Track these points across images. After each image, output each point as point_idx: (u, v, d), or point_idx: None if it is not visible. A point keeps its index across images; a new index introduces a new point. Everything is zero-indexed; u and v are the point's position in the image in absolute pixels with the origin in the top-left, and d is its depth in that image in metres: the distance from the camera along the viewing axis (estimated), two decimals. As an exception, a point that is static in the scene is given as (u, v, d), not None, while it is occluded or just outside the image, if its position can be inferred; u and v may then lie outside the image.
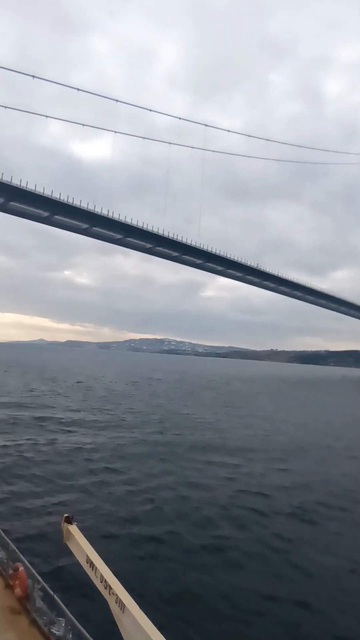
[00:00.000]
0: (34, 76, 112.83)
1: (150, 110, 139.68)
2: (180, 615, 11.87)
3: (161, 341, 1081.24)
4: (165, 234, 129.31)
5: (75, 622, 7.89)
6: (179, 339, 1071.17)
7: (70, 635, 7.99)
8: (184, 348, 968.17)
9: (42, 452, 28.63)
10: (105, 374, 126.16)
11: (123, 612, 6.43)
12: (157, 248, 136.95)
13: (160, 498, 21.27)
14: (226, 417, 52.33)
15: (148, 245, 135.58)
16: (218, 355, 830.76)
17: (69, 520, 9.09)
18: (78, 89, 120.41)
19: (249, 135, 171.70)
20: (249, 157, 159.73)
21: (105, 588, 7.08)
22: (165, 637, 5.86)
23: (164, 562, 15.02)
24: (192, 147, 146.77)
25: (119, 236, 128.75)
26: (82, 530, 8.99)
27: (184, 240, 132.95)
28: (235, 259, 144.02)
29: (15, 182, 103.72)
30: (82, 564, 8.22)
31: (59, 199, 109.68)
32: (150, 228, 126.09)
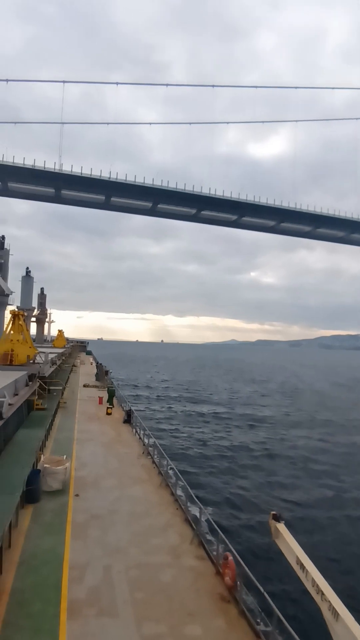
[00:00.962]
0: (213, 85, 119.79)
1: (332, 88, 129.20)
2: None
3: (356, 337, 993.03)
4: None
5: (284, 621, 7.94)
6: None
7: (278, 633, 8.05)
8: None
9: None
10: (304, 374, 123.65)
11: (337, 621, 6.21)
12: (353, 235, 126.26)
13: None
14: None
15: (340, 234, 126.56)
16: None
17: (276, 518, 9.21)
18: (255, 86, 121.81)
19: None
20: None
21: (317, 593, 6.94)
22: None
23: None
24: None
25: (307, 228, 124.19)
26: (291, 529, 9.00)
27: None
28: None
29: (205, 191, 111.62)
30: (291, 564, 8.23)
31: (246, 200, 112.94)
32: (343, 215, 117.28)
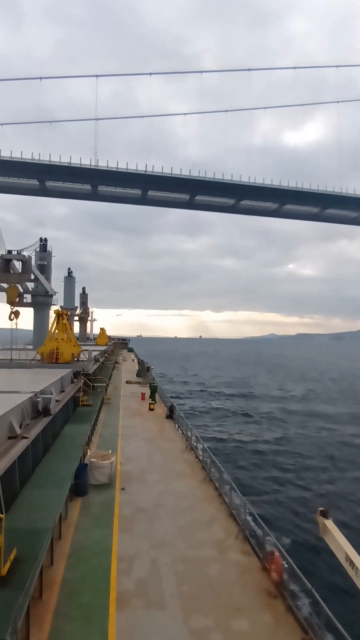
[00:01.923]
0: (250, 69, 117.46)
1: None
2: None
3: None
4: None
5: (333, 618, 7.91)
6: None
7: (326, 630, 8.03)
8: None
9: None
10: (356, 369, 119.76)
11: None
12: None
13: None
14: None
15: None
16: None
17: (324, 515, 9.17)
18: (295, 67, 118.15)
19: None
20: None
21: None
22: None
23: None
24: None
25: (354, 214, 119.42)
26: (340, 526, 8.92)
27: None
28: None
29: (244, 179, 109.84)
30: (340, 561, 8.19)
31: (288, 186, 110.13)
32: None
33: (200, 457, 20.36)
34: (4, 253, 35.56)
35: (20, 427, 14.10)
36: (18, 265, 36.28)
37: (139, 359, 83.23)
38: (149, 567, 10.99)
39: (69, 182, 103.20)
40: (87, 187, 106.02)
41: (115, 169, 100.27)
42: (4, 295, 33.32)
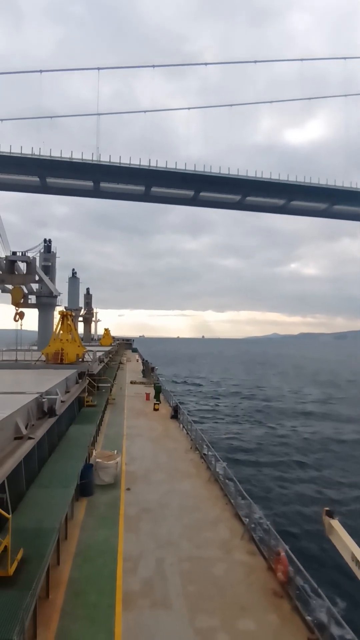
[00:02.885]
0: (255, 61, 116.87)
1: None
2: None
3: None
4: None
5: (340, 617, 8.04)
6: None
7: (332, 630, 8.17)
8: None
9: None
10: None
11: None
12: None
13: None
14: None
15: None
16: None
17: (330, 514, 9.30)
18: (301, 59, 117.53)
19: None
20: None
21: None
22: None
23: None
24: None
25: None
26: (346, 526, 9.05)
27: None
28: None
29: (251, 174, 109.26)
30: (346, 560, 8.32)
31: (296, 181, 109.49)
32: None
33: (205, 457, 20.52)
34: (8, 254, 35.92)
35: (26, 428, 14.35)
36: (23, 266, 36.65)
37: (143, 359, 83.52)
38: (155, 566, 11.18)
39: (70, 178, 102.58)
40: (89, 183, 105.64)
41: (118, 164, 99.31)
42: (8, 296, 33.63)
